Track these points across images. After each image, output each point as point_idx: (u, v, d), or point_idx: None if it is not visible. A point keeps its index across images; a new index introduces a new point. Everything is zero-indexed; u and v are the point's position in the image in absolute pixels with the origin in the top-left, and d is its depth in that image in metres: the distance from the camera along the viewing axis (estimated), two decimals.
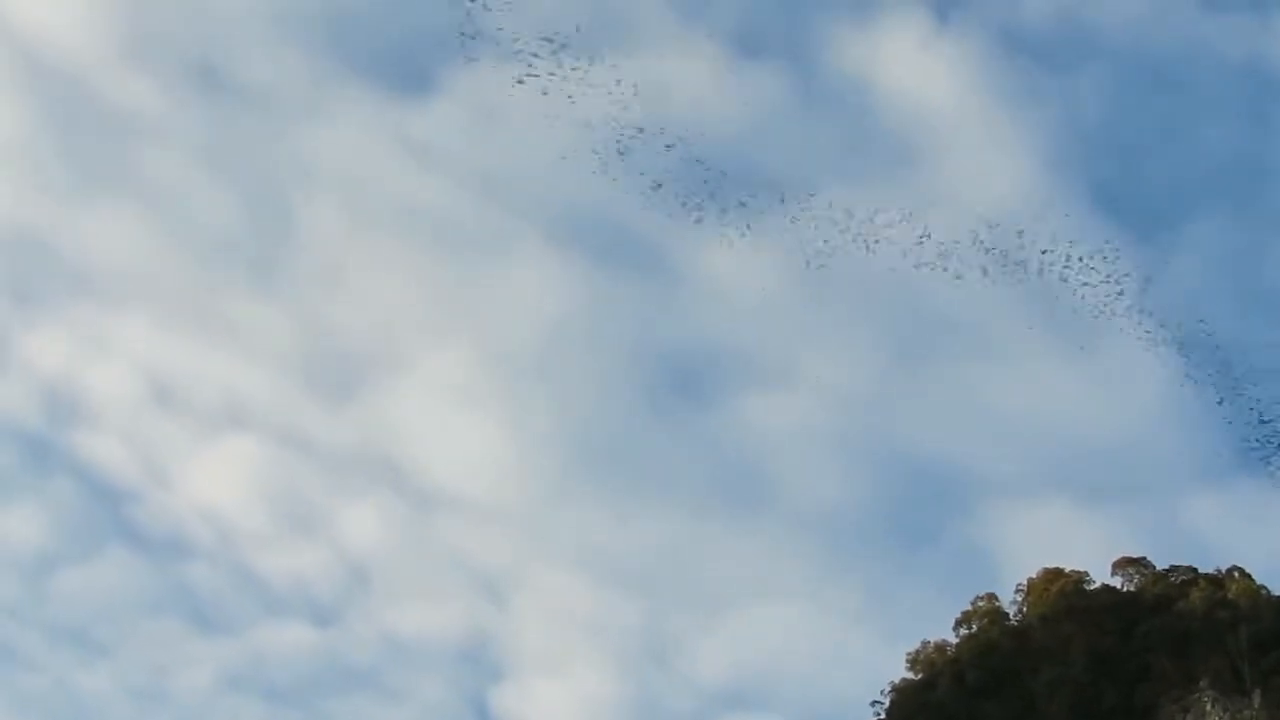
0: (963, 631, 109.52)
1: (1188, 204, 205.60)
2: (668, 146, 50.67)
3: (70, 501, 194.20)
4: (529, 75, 49.77)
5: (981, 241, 52.54)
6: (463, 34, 48.93)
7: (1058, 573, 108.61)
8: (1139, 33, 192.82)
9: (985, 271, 52.33)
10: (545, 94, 49.85)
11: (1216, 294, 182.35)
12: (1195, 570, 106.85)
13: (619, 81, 50.02)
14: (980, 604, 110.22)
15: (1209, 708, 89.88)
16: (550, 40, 50.14)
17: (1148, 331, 51.55)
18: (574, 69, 49.85)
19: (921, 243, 52.94)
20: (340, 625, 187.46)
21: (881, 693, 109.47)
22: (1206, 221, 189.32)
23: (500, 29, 49.96)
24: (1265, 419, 49.52)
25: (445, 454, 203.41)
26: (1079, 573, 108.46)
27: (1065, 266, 52.20)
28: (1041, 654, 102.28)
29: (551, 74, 49.76)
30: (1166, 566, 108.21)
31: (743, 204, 51.97)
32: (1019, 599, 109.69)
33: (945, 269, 52.97)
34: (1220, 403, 50.65)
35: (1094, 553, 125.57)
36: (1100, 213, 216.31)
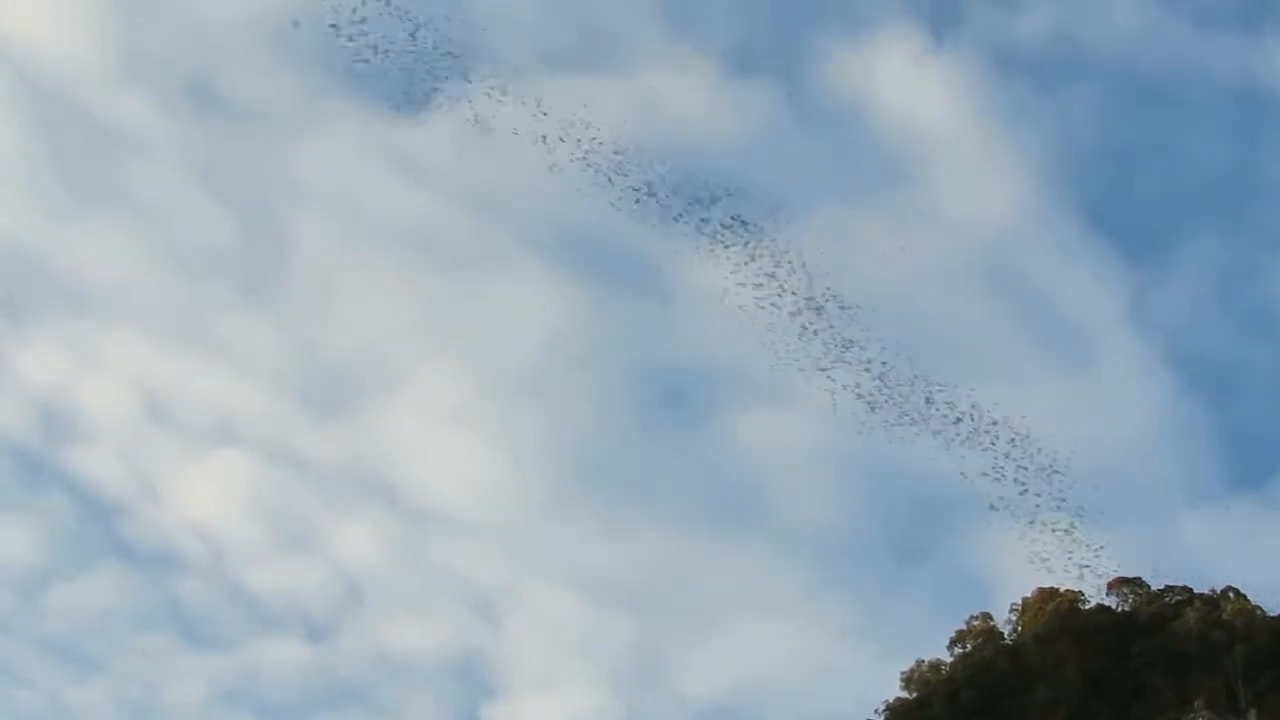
0: (957, 650, 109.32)
1: (1180, 221, 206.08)
2: (662, 163, 50.61)
3: (63, 516, 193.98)
4: (522, 92, 49.71)
5: (975, 258, 52.30)
6: (456, 51, 48.88)
7: (1053, 592, 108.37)
8: (1131, 51, 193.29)
9: (979, 288, 52.07)
10: (538, 111, 49.79)
11: (1209, 310, 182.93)
12: (1190, 590, 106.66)
13: (612, 98, 49.89)
14: (975, 623, 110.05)
15: None
16: (543, 57, 50.08)
17: (1141, 348, 51.17)
18: (567, 86, 49.77)
19: (913, 259, 52.72)
20: (333, 641, 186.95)
21: (876, 711, 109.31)
22: (1199, 238, 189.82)
23: (494, 46, 49.93)
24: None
25: (438, 471, 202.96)
26: (1074, 592, 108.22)
27: (1059, 283, 51.92)
28: (1036, 673, 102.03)
29: (544, 91, 49.72)
30: (1161, 586, 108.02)
31: (737, 220, 51.84)
32: (1014, 618, 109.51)
33: (938, 285, 52.73)
34: None
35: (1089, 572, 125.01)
36: (1093, 230, 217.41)
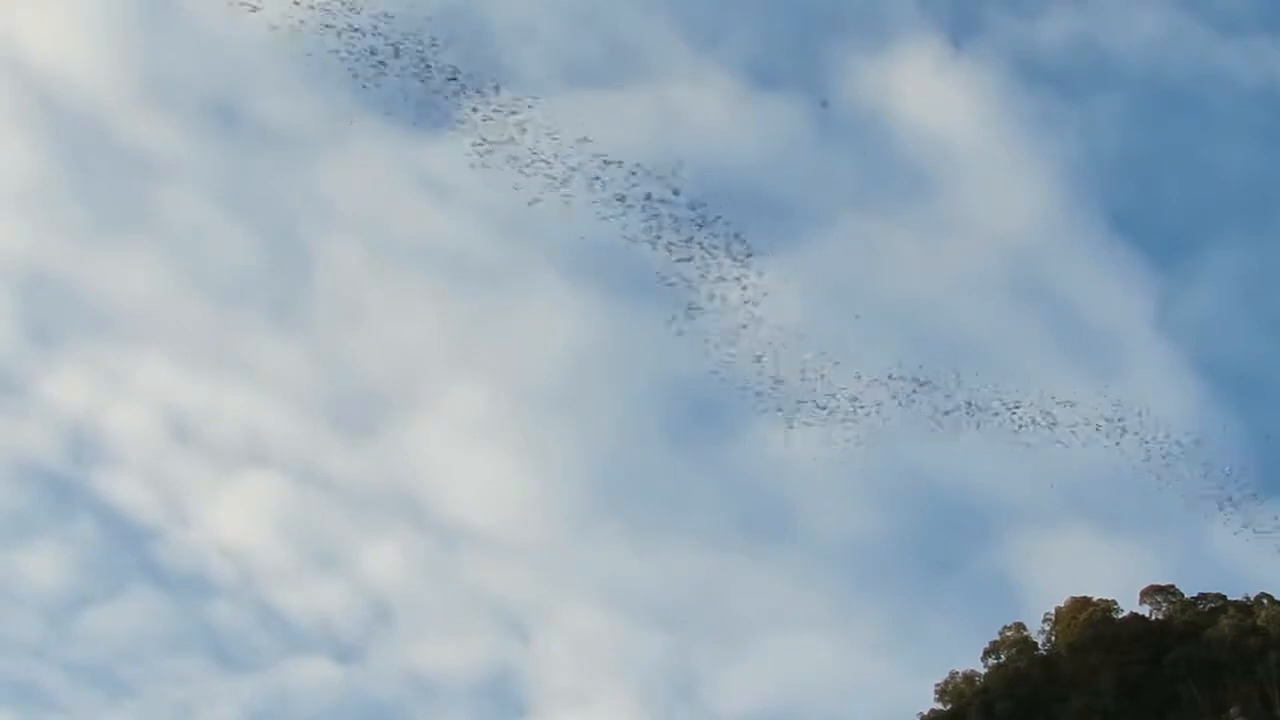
0: (991, 661, 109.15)
1: (1206, 228, 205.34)
2: (686, 177, 50.72)
3: (93, 541, 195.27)
4: (545, 108, 49.91)
5: (1001, 267, 52.40)
6: (478, 69, 49.14)
7: (1086, 601, 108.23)
8: (1155, 57, 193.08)
9: (1006, 296, 52.14)
10: (562, 127, 50.02)
11: (1235, 316, 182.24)
12: (1224, 597, 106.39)
13: (636, 113, 50.15)
14: (1008, 633, 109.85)
15: None
16: (566, 73, 50.34)
17: (1168, 354, 51.07)
18: (590, 101, 49.97)
19: (940, 269, 52.82)
20: (363, 662, 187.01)
21: None
22: (1224, 245, 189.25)
23: (517, 62, 50.07)
24: None
25: (467, 489, 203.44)
26: (1107, 601, 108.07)
27: (1085, 290, 51.94)
28: (1070, 683, 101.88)
29: (567, 106, 49.92)
30: (1195, 594, 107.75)
31: (761, 233, 51.89)
32: (1047, 628, 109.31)
33: (965, 294, 52.82)
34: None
35: (1122, 581, 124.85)
36: (1119, 238, 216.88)
